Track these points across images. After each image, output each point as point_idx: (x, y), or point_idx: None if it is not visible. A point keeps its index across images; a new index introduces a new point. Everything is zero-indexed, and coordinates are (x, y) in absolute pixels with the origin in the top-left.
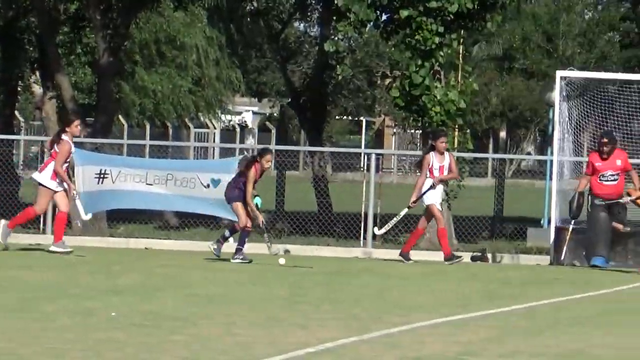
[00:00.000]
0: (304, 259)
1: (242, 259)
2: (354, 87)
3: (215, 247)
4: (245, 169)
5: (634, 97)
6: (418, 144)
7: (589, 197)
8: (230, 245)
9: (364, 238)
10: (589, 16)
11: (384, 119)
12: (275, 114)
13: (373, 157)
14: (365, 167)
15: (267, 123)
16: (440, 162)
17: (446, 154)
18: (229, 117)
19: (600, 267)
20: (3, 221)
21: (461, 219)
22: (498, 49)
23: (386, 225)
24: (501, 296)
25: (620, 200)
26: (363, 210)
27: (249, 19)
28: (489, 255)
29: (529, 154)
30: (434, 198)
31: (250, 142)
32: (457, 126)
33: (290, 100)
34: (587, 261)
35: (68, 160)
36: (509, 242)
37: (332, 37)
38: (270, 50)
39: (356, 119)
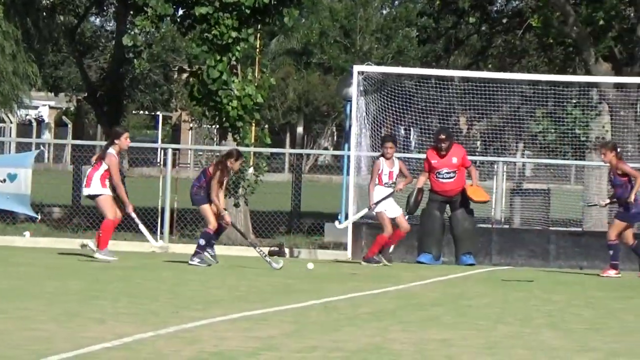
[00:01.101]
0: None
1: (199, 261)
2: (151, 81)
3: (199, 260)
4: (215, 169)
5: (431, 92)
6: (215, 139)
7: (429, 193)
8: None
9: (161, 233)
10: (386, 12)
11: (180, 114)
12: (71, 109)
13: (169, 152)
14: (162, 162)
15: (64, 117)
16: (390, 168)
17: (394, 158)
18: (25, 111)
19: (426, 264)
20: (97, 254)
21: (259, 214)
22: (296, 44)
23: (346, 222)
24: (299, 291)
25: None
26: (160, 205)
27: (44, 13)
28: (287, 250)
29: (325, 149)
30: (385, 205)
31: (47, 136)
32: (254, 121)
33: (86, 94)
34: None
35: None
36: (307, 237)
37: (129, 31)
38: (66, 44)
39: (153, 113)
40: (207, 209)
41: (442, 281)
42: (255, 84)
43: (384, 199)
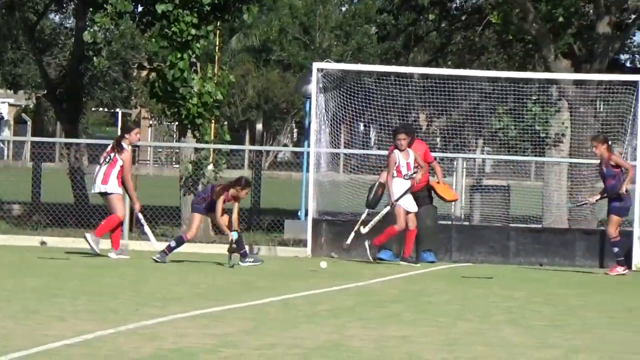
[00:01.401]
0: (60, 250)
1: (252, 261)
2: (110, 79)
3: (159, 256)
4: (220, 191)
5: (390, 89)
6: (174, 136)
7: None
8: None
9: (121, 230)
10: (345, 8)
11: (140, 111)
12: (31, 106)
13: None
14: None
15: (24, 115)
16: (406, 159)
17: (408, 149)
18: None
19: (386, 260)
20: (88, 234)
21: None
22: (255, 41)
23: (369, 225)
24: (258, 288)
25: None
26: None
27: (3, 10)
28: (247, 247)
29: (285, 145)
30: (405, 200)
31: (6, 133)
32: (214, 118)
33: (46, 92)
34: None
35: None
36: (266, 234)
37: (89, 28)
38: (25, 42)
39: (112, 111)
40: (195, 218)
41: (402, 278)
42: (215, 81)
43: (405, 193)
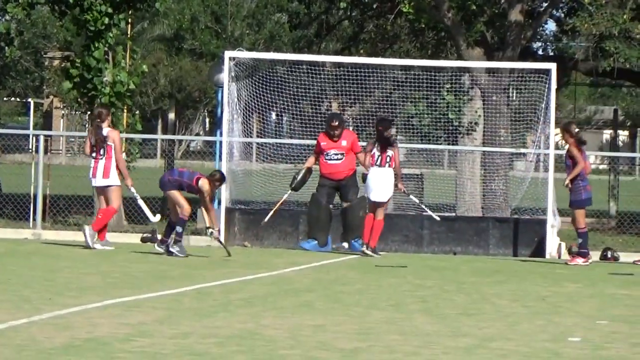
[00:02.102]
0: None
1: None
2: (22, 68)
3: (178, 249)
4: (211, 184)
5: (303, 78)
6: (87, 126)
7: (319, 178)
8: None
9: (34, 219)
10: None
11: (52, 100)
12: None
13: (41, 138)
14: (34, 149)
15: None
16: None
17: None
18: None
19: (308, 250)
20: (87, 227)
21: (130, 200)
22: (166, 30)
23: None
24: (172, 277)
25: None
26: (32, 192)
27: None
28: (159, 237)
29: (197, 134)
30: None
31: None
32: (126, 107)
33: None
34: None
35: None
36: None
37: (1, 19)
38: None
39: (24, 100)
40: (175, 194)
41: (315, 267)
42: (127, 70)
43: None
